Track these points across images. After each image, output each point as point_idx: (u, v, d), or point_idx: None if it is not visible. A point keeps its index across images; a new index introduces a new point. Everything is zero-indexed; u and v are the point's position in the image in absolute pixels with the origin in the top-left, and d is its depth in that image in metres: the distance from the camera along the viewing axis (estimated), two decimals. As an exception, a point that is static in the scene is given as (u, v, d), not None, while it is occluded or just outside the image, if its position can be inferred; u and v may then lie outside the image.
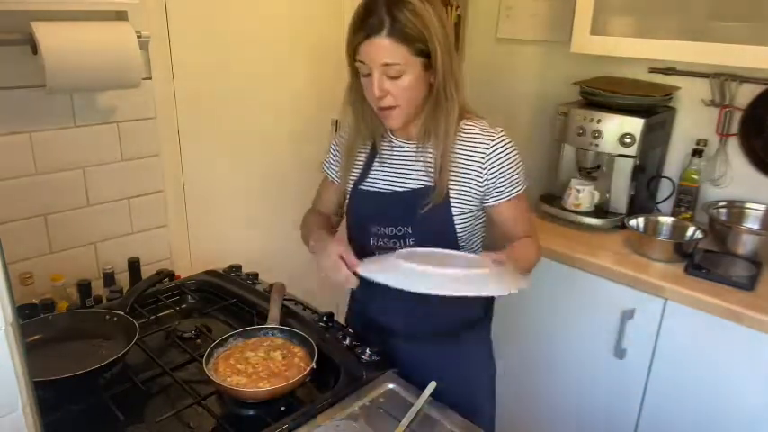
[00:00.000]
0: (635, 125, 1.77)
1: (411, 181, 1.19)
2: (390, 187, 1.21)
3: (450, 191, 1.15)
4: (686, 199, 1.89)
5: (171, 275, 1.50)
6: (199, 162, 1.79)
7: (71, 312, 1.31)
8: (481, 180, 1.16)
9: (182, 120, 1.71)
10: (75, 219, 1.52)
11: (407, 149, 1.20)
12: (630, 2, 1.78)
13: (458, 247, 1.20)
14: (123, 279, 1.54)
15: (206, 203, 1.84)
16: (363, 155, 1.26)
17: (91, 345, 1.19)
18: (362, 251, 1.22)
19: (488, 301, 1.36)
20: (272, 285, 1.43)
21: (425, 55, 1.06)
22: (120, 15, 1.44)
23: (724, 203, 1.84)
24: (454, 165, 1.15)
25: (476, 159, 1.15)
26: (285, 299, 1.37)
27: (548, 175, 2.10)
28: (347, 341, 1.21)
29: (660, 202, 1.96)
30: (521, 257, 1.16)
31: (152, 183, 1.66)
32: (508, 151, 1.16)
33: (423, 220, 1.15)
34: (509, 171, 1.16)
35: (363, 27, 1.04)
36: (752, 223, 1.80)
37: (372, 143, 1.24)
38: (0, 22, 1.27)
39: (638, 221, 1.81)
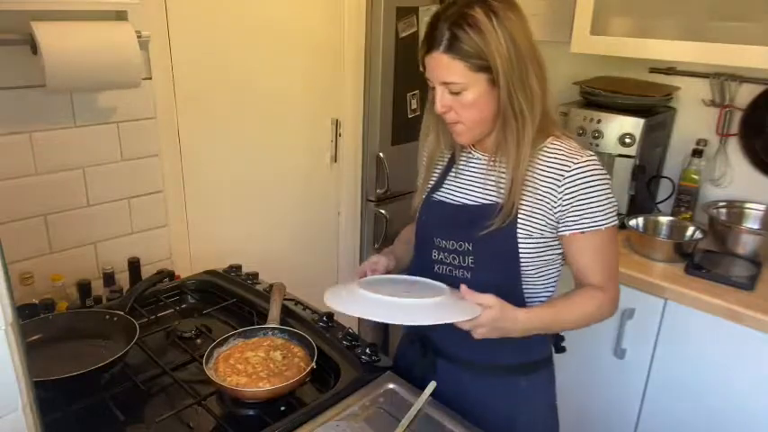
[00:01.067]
0: (635, 125, 1.77)
1: (480, 195, 1.12)
2: (460, 199, 1.14)
3: (520, 212, 1.06)
4: (686, 199, 1.89)
5: (171, 275, 1.50)
6: (199, 162, 1.79)
7: (71, 312, 1.31)
8: (555, 204, 1.05)
9: (182, 120, 1.71)
10: (75, 219, 1.52)
11: (482, 162, 1.13)
12: (630, 2, 1.78)
13: (520, 276, 1.09)
14: (123, 279, 1.54)
15: (206, 203, 1.84)
16: (442, 164, 1.21)
17: (91, 345, 1.19)
18: (424, 264, 1.18)
19: (557, 342, 1.25)
20: (272, 285, 1.43)
21: (489, 71, 1.00)
22: (120, 15, 1.44)
23: (724, 203, 1.85)
24: (529, 185, 1.06)
25: (553, 181, 1.04)
26: (285, 299, 1.37)
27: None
28: (347, 341, 1.21)
29: (660, 202, 1.96)
30: (546, 318, 1.04)
31: (152, 183, 1.66)
32: (592, 177, 1.03)
33: (485, 237, 1.07)
34: (588, 199, 1.03)
35: (426, 41, 1.02)
36: (752, 223, 1.80)
37: (452, 153, 1.19)
38: (0, 22, 1.27)
39: (638, 221, 1.81)
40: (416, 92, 2.23)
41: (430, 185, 1.20)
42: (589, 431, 1.82)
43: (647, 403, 1.67)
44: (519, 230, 1.06)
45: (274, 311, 1.29)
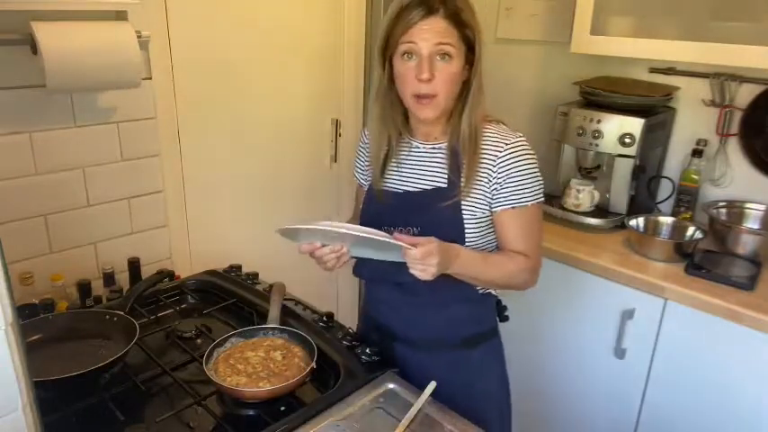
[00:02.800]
0: (635, 125, 1.76)
1: (424, 182, 1.17)
2: (403, 187, 1.19)
3: (463, 192, 1.13)
4: (686, 199, 1.89)
5: (171, 275, 1.50)
6: (199, 162, 1.79)
7: (71, 312, 1.31)
8: (491, 183, 1.12)
9: (182, 120, 1.71)
10: (75, 219, 1.52)
11: (423, 150, 1.19)
12: (630, 2, 1.78)
13: None
14: (123, 279, 1.54)
15: (206, 203, 1.84)
16: (383, 153, 1.24)
17: (91, 345, 1.19)
18: None
19: (500, 311, 1.32)
20: (272, 285, 1.43)
21: (469, 46, 1.08)
22: (120, 15, 1.44)
23: (724, 203, 1.84)
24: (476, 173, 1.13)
25: (489, 161, 1.12)
26: (285, 299, 1.37)
27: (548, 175, 2.10)
28: (347, 341, 1.21)
29: (660, 202, 1.95)
30: (478, 258, 1.11)
31: (152, 183, 1.66)
32: (522, 157, 1.11)
33: (432, 221, 1.13)
34: (518, 177, 1.11)
35: (418, 7, 1.05)
36: (752, 223, 1.80)
37: (388, 145, 1.23)
38: (0, 22, 1.27)
39: (638, 221, 1.81)
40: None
41: (369, 175, 1.25)
42: (589, 431, 1.82)
43: (647, 403, 1.67)
44: (464, 211, 1.13)
45: (274, 311, 1.29)
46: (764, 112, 1.76)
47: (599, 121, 1.82)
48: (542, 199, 1.15)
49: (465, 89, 1.12)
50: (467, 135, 1.12)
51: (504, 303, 1.32)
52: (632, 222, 1.80)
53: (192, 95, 1.72)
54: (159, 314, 1.40)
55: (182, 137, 1.73)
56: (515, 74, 2.29)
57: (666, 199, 1.93)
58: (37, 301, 1.34)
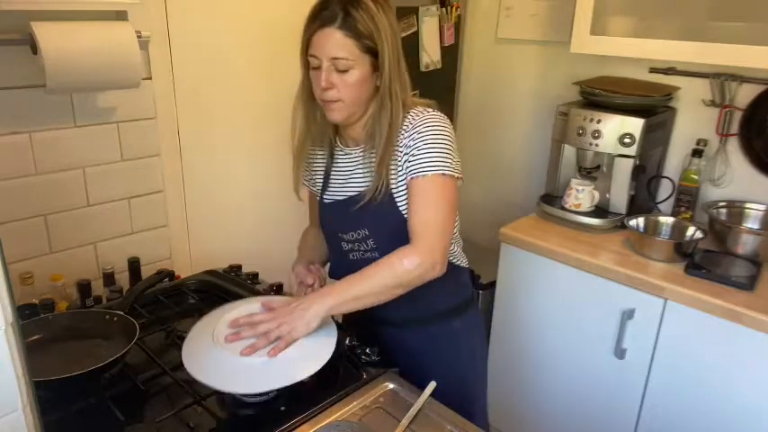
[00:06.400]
0: (635, 125, 1.77)
1: (361, 185, 1.20)
2: (346, 193, 1.23)
3: (391, 182, 1.15)
4: (686, 199, 1.89)
5: (171, 275, 1.50)
6: (199, 162, 1.79)
7: (71, 312, 1.31)
8: (402, 160, 1.13)
9: (182, 119, 1.71)
10: (75, 219, 1.52)
11: (356, 155, 1.22)
12: (630, 2, 1.78)
13: None
14: (123, 279, 1.54)
15: (206, 203, 1.84)
16: (321, 162, 1.30)
17: (91, 345, 1.19)
18: (341, 254, 1.27)
19: (473, 283, 1.37)
20: (272, 285, 1.43)
21: (373, 54, 1.09)
22: (120, 15, 1.44)
23: (724, 203, 1.85)
24: (393, 156, 1.16)
25: (401, 144, 1.14)
26: (285, 299, 1.37)
27: (548, 175, 2.10)
28: (347, 341, 1.21)
29: (660, 202, 1.96)
30: (341, 284, 1.11)
31: (152, 183, 1.66)
32: (430, 128, 1.12)
33: (375, 219, 1.16)
34: (425, 147, 1.11)
35: (317, 19, 1.09)
36: (752, 223, 1.80)
37: (330, 152, 1.27)
38: (0, 22, 1.27)
39: (638, 221, 1.81)
40: (416, 92, 2.22)
41: (318, 187, 1.30)
42: (589, 431, 1.82)
43: (647, 403, 1.67)
44: (397, 199, 1.16)
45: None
46: (764, 111, 1.77)
47: (599, 121, 1.82)
48: (447, 171, 1.11)
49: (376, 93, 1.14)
50: (383, 136, 1.13)
51: (476, 273, 1.37)
52: (632, 222, 1.80)
53: (192, 95, 1.72)
54: (159, 314, 1.40)
55: (182, 137, 1.73)
56: (515, 74, 2.29)
57: (666, 199, 1.93)
58: (37, 301, 1.34)
